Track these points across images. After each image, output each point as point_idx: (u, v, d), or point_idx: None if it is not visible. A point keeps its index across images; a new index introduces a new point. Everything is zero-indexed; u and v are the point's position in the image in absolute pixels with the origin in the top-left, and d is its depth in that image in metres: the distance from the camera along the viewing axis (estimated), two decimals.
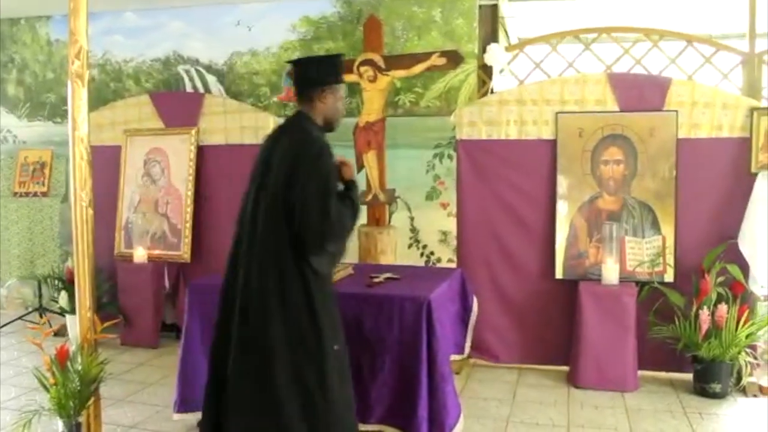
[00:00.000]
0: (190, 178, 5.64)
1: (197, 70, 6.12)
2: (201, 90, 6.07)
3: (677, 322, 4.35)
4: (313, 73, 2.85)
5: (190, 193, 5.63)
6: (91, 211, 3.26)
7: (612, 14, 5.38)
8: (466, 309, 4.05)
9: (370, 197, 4.95)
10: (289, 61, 3.04)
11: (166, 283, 5.67)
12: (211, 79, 6.07)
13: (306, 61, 3.00)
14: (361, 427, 3.16)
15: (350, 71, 5.06)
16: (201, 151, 5.66)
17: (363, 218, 5.04)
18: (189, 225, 5.62)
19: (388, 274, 3.70)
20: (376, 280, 3.61)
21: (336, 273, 3.70)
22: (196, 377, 3.66)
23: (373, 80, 4.98)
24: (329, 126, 2.90)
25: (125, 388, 4.51)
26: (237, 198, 5.32)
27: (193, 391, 3.65)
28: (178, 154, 5.71)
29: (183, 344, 3.74)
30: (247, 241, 2.76)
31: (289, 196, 2.64)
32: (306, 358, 2.66)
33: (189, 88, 6.13)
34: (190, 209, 5.62)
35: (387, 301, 3.35)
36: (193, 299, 3.75)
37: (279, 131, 2.90)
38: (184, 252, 5.61)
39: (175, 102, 5.86)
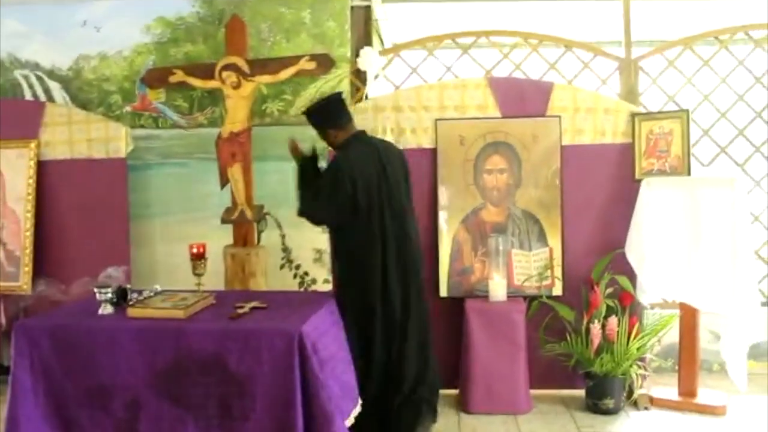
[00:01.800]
0: (30, 197, 4.93)
1: (37, 76, 5.40)
2: (42, 98, 5.36)
3: (568, 338, 4.15)
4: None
5: (29, 214, 4.92)
6: None
7: (489, 19, 5.19)
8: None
9: (236, 215, 4.47)
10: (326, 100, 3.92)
11: (2, 320, 4.93)
12: (53, 86, 5.37)
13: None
14: None
15: (211, 77, 4.60)
16: (42, 167, 4.98)
17: (228, 238, 4.57)
18: (29, 251, 4.90)
19: (254, 303, 3.24)
20: (241, 310, 3.14)
21: (194, 304, 3.23)
22: None
23: (237, 86, 4.53)
24: None
25: None
26: (85, 218, 4.90)
27: None
28: (15, 171, 4.98)
29: (9, 401, 3.11)
30: (396, 225, 3.67)
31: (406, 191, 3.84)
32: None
33: (28, 96, 5.39)
34: (29, 233, 4.90)
35: (253, 335, 2.90)
36: (22, 344, 3.15)
37: (372, 146, 3.78)
38: (24, 283, 4.89)
39: (11, 111, 5.10)
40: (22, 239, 4.94)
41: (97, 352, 3.09)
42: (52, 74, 5.39)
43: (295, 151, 3.96)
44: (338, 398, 3.14)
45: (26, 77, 5.43)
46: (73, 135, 4.97)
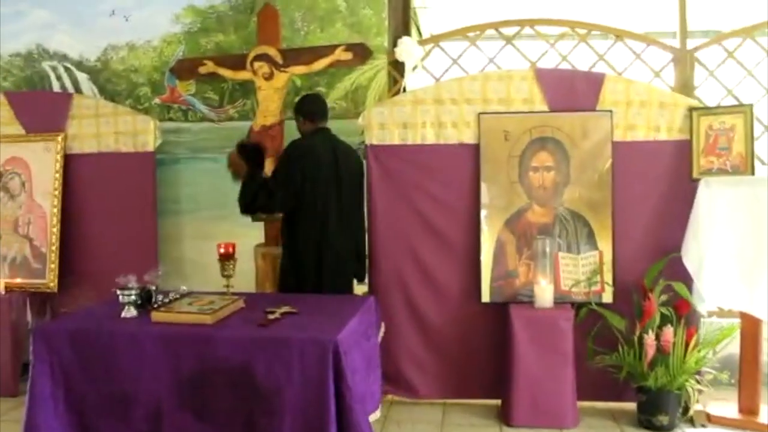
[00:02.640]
0: (56, 192, 4.80)
1: (65, 67, 5.27)
2: (70, 89, 5.22)
3: (619, 348, 3.87)
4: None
5: (56, 210, 4.80)
6: None
7: (534, 7, 4.91)
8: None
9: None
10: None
11: (29, 318, 4.80)
12: (81, 77, 5.24)
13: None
14: None
15: (243, 67, 4.43)
16: (69, 161, 4.84)
17: (260, 237, 4.38)
18: (55, 248, 4.78)
19: (285, 308, 3.03)
20: (272, 316, 2.93)
21: (222, 308, 3.03)
22: None
23: (270, 78, 4.35)
24: None
25: None
26: (112, 214, 4.75)
27: None
28: (42, 165, 4.87)
29: (28, 407, 2.93)
30: (336, 210, 3.79)
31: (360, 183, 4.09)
32: None
33: (57, 88, 5.27)
34: (56, 229, 4.78)
35: (284, 344, 2.68)
36: (41, 349, 2.96)
37: (330, 142, 3.89)
38: (50, 280, 4.77)
39: (38, 103, 5.00)
40: (48, 235, 4.81)
41: (118, 358, 2.91)
42: (80, 65, 5.26)
43: (236, 166, 3.80)
44: (366, 410, 2.93)
45: (54, 68, 5.31)
46: (101, 128, 4.84)
